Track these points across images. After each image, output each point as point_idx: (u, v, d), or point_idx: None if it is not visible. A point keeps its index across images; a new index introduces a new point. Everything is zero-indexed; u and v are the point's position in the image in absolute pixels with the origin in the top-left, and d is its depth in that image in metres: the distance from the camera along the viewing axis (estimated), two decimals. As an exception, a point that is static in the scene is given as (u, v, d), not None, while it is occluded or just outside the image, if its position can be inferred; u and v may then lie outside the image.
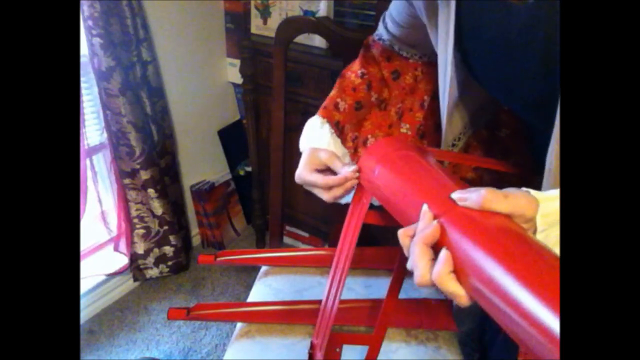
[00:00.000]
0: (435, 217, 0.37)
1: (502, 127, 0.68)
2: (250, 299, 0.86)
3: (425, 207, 0.38)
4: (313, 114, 0.67)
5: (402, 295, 0.59)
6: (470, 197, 0.35)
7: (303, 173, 0.58)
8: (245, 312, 0.80)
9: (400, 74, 0.71)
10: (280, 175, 0.99)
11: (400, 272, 0.56)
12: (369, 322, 0.76)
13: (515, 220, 0.35)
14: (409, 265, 0.37)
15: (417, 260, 0.35)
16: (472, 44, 0.52)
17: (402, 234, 0.39)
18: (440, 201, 0.38)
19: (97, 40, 1.17)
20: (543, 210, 0.35)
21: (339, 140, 0.65)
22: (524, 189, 0.37)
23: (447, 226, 0.35)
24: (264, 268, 0.93)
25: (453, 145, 0.65)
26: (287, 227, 1.78)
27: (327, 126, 0.64)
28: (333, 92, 0.68)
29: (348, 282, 0.88)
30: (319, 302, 0.59)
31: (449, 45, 0.53)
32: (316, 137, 0.64)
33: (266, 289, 0.87)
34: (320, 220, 1.63)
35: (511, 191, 0.36)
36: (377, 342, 0.62)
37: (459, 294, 0.34)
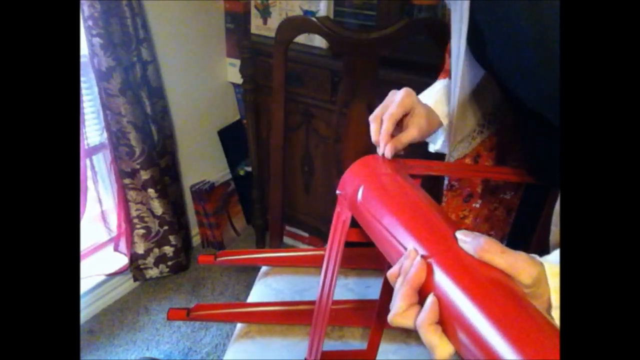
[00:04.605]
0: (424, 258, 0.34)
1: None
2: (250, 299, 0.86)
3: (410, 246, 0.35)
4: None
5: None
6: (469, 241, 0.33)
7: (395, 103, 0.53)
8: (245, 312, 0.80)
9: None
10: (280, 175, 1.00)
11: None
12: (368, 322, 0.76)
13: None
14: (391, 305, 0.34)
15: (398, 301, 0.33)
16: (490, 33, 0.49)
17: (390, 275, 0.36)
18: (432, 241, 0.35)
19: (97, 40, 1.17)
20: (557, 284, 0.32)
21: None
22: (535, 255, 0.34)
23: (436, 268, 0.32)
24: (264, 268, 0.92)
25: (462, 140, 0.63)
26: (287, 227, 1.78)
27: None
28: None
29: (348, 283, 0.88)
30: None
31: (463, 31, 0.50)
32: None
33: (266, 289, 0.87)
34: (320, 220, 1.63)
35: (513, 251, 0.32)
36: (372, 350, 0.61)
37: (439, 349, 0.30)
